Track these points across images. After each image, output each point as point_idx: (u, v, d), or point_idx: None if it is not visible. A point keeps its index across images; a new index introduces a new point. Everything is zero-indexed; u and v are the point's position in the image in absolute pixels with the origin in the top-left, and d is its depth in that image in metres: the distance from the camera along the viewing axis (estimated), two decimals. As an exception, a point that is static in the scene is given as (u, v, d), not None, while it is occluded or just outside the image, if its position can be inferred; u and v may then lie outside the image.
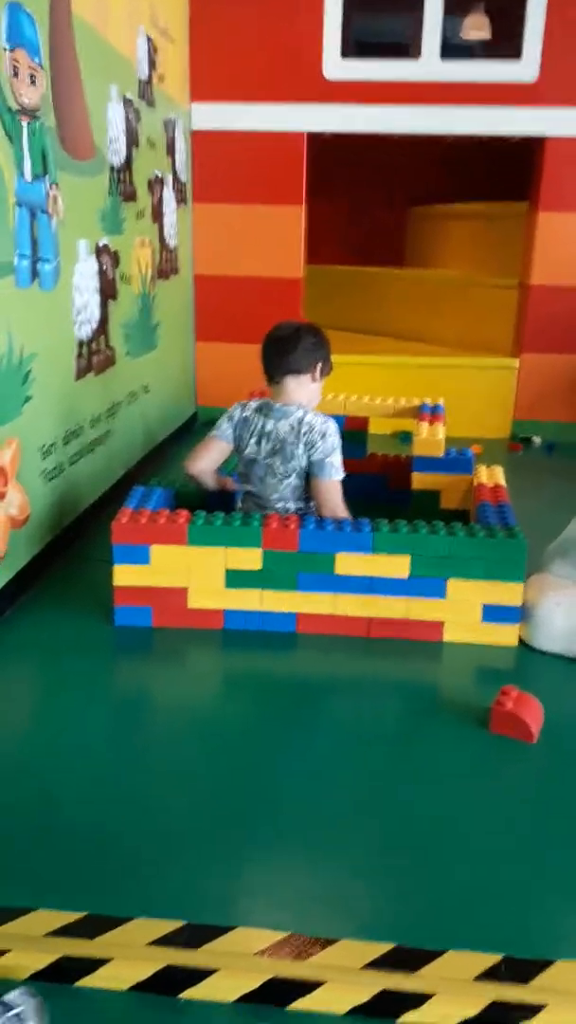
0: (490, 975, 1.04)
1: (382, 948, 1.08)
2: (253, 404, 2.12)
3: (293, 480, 2.05)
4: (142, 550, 1.88)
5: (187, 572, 1.90)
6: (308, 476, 2.05)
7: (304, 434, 2.01)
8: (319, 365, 2.08)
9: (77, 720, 1.57)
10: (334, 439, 2.03)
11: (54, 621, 1.95)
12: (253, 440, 2.08)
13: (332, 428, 2.04)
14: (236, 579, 1.90)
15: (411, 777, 1.43)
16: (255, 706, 1.65)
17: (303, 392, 2.07)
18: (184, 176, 3.64)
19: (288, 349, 2.05)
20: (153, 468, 3.21)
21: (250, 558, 1.88)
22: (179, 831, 1.29)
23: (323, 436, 2.01)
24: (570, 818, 1.33)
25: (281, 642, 1.89)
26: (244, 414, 2.11)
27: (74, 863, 1.22)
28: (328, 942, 1.09)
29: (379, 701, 1.67)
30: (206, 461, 2.14)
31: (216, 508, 2.18)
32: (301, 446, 2.01)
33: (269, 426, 2.05)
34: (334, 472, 2.03)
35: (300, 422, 2.02)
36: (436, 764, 1.46)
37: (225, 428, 2.12)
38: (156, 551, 1.88)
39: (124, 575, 1.90)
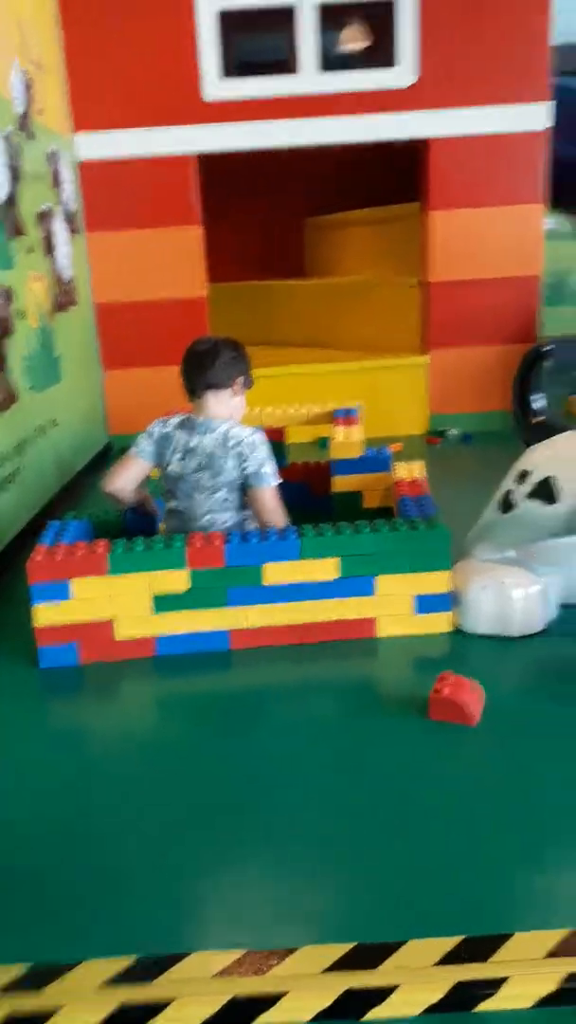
0: (451, 958, 1.03)
1: (343, 949, 1.06)
2: (174, 420, 2.10)
3: (222, 493, 2.03)
4: (62, 586, 1.82)
5: (111, 603, 1.84)
6: (242, 488, 2.04)
7: (233, 447, 2.00)
8: (239, 379, 2.08)
9: (6, 764, 1.51)
10: (264, 448, 2.03)
11: (-23, 670, 1.87)
12: (177, 456, 2.05)
13: (260, 438, 2.04)
14: (164, 603, 1.86)
15: (357, 775, 1.41)
16: (194, 727, 1.61)
17: (224, 407, 2.07)
18: (74, 206, 3.60)
19: (207, 364, 2.04)
20: (69, 502, 3.14)
21: (177, 580, 1.85)
22: (125, 863, 1.24)
23: (253, 447, 2.01)
24: (515, 793, 1.34)
25: (216, 661, 1.85)
26: (165, 430, 2.08)
27: (12, 909, 1.16)
28: (287, 952, 1.06)
29: (319, 704, 1.66)
30: (123, 479, 2.11)
31: (137, 534, 2.14)
32: (231, 459, 2.00)
33: (194, 441, 2.03)
34: (270, 479, 2.03)
35: (227, 435, 2.01)
36: (380, 758, 1.46)
37: (144, 445, 2.09)
38: (76, 584, 1.83)
39: (45, 614, 1.84)
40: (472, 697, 1.54)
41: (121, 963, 1.06)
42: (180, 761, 1.48)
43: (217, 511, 2.04)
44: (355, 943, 1.07)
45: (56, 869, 1.24)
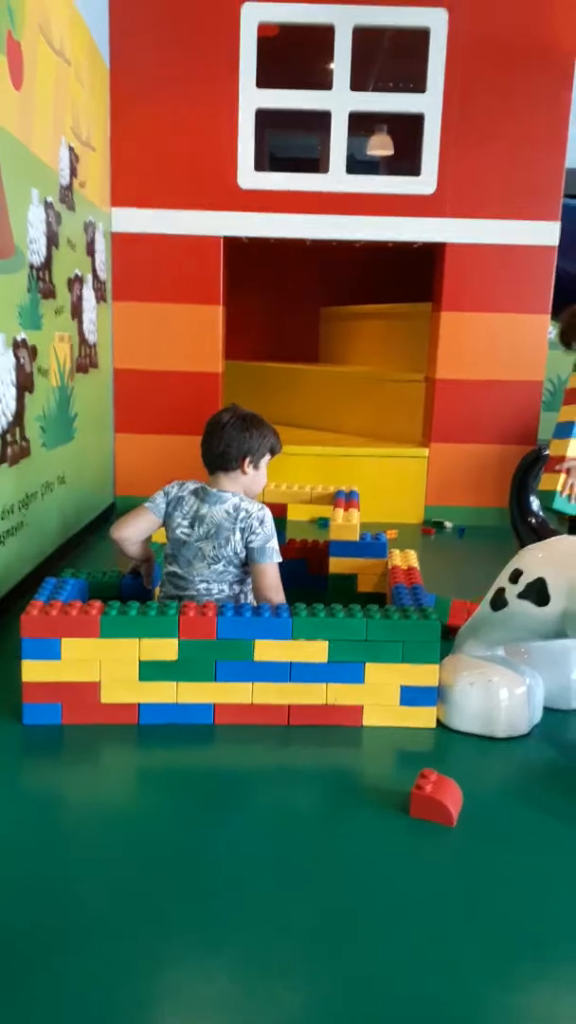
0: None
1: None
2: (190, 485, 2.14)
3: (221, 565, 2.06)
4: (53, 644, 1.82)
5: (99, 665, 1.84)
6: (242, 563, 2.07)
7: (241, 520, 2.04)
8: (247, 459, 2.10)
9: (-21, 827, 1.48)
10: (271, 525, 2.07)
11: (-42, 722, 1.86)
12: (186, 522, 2.09)
13: (268, 515, 2.08)
14: (151, 671, 1.86)
15: (332, 870, 1.39)
16: (172, 801, 1.59)
17: (236, 484, 2.12)
18: (104, 275, 3.75)
19: (214, 446, 2.10)
20: (69, 559, 3.16)
21: (166, 648, 1.85)
22: (89, 939, 1.21)
23: (261, 522, 2.05)
24: (490, 901, 1.32)
25: (199, 735, 1.84)
26: (180, 493, 2.13)
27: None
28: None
29: (300, 790, 1.64)
30: (132, 529, 2.14)
31: (132, 598, 2.15)
32: (238, 532, 2.04)
33: (204, 510, 2.08)
34: (274, 555, 2.06)
35: (236, 508, 2.05)
36: (358, 853, 1.43)
37: (159, 502, 2.14)
38: (67, 644, 1.83)
39: (34, 671, 1.83)
40: (453, 797, 1.54)
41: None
42: (152, 839, 1.46)
43: (213, 581, 2.07)
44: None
45: (20, 934, 1.20)
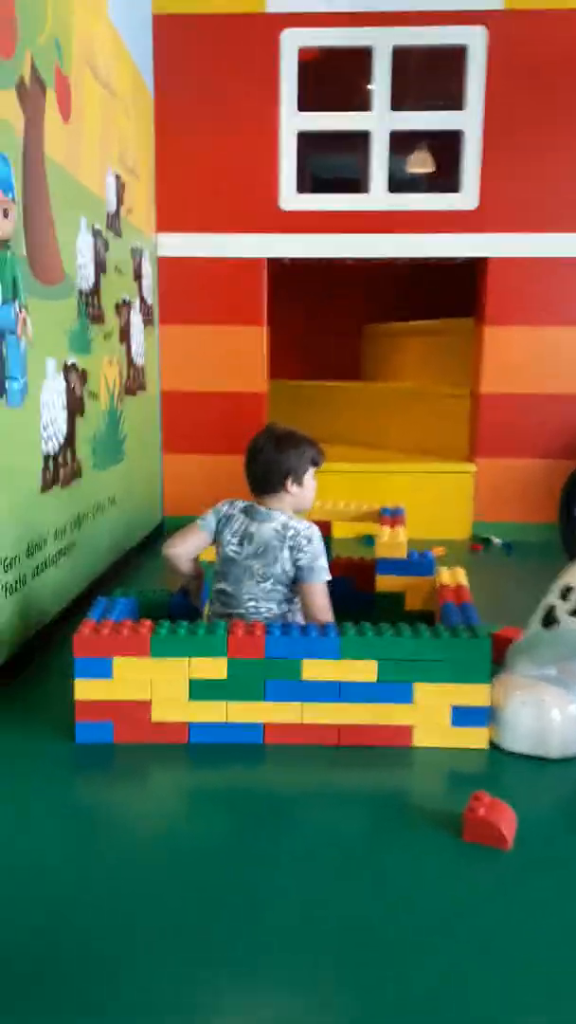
0: None
1: None
2: (240, 504, 2.16)
3: (269, 584, 2.07)
4: (104, 663, 1.85)
5: (150, 685, 1.87)
6: (291, 581, 2.07)
7: (289, 538, 2.05)
8: (289, 478, 2.10)
9: (30, 841, 1.51)
10: (319, 544, 2.07)
11: (12, 740, 1.89)
12: (235, 540, 2.11)
13: (316, 533, 2.08)
14: (201, 690, 1.87)
15: (384, 891, 1.38)
16: (221, 822, 1.59)
17: (282, 503, 2.12)
18: (151, 299, 3.82)
19: (253, 470, 2.12)
20: (119, 578, 3.21)
21: (215, 667, 1.87)
22: (139, 957, 1.22)
23: (309, 541, 2.06)
24: (545, 927, 1.29)
25: (248, 754, 1.85)
26: (230, 511, 2.15)
27: (19, 996, 1.13)
28: None
29: (350, 813, 1.63)
30: (184, 547, 2.17)
31: (180, 617, 2.17)
32: (286, 551, 2.04)
33: (253, 528, 2.09)
34: (324, 574, 2.07)
35: (285, 527, 2.06)
36: (409, 877, 1.42)
37: (210, 520, 2.16)
38: (119, 663, 1.86)
39: (86, 689, 1.87)
40: (507, 820, 1.51)
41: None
42: (200, 859, 1.46)
43: (261, 599, 2.08)
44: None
45: (70, 955, 1.22)
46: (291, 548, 2.05)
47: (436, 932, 1.28)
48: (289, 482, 2.11)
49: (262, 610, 2.08)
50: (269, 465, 2.09)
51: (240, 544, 2.10)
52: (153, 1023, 1.11)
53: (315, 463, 2.16)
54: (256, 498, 2.16)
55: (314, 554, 2.06)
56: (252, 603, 2.08)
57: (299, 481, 2.13)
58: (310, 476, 2.16)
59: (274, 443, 2.11)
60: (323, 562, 2.07)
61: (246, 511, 2.14)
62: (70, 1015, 1.11)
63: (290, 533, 2.06)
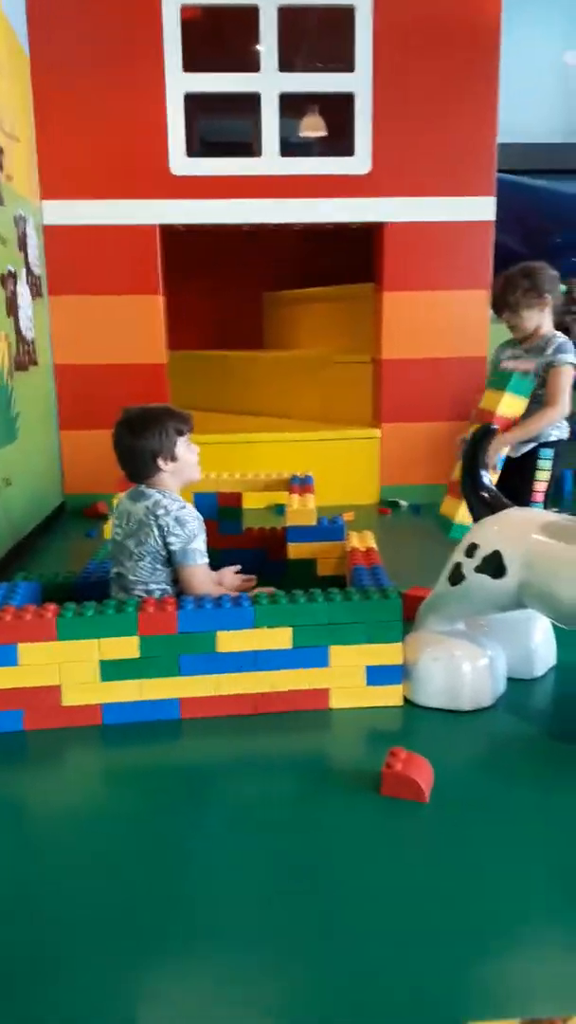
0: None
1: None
2: (130, 490, 2.09)
3: (147, 562, 2.00)
4: (9, 649, 1.77)
5: (58, 668, 1.80)
6: (171, 563, 2.01)
7: (158, 517, 1.97)
8: (157, 459, 2.01)
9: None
10: (193, 525, 1.99)
11: None
12: (117, 523, 2.06)
13: (190, 514, 1.99)
14: (113, 670, 1.82)
15: (309, 853, 1.38)
16: (143, 801, 1.56)
17: (163, 483, 2.04)
18: (38, 270, 3.65)
19: (121, 461, 2.04)
20: (21, 561, 3.08)
21: (126, 646, 1.82)
22: (66, 945, 1.18)
23: (180, 523, 1.97)
24: (467, 874, 1.33)
25: (166, 731, 1.82)
26: (121, 502, 2.09)
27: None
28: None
29: (271, 778, 1.63)
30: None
31: (89, 598, 2.10)
32: (155, 528, 1.97)
33: (129, 506, 2.04)
34: (199, 557, 1.99)
35: (157, 504, 1.98)
36: (333, 836, 1.43)
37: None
38: (24, 649, 1.78)
39: (-9, 678, 1.78)
40: (424, 773, 1.54)
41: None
42: (122, 839, 1.43)
43: (149, 581, 2.01)
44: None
45: (-10, 954, 1.17)
46: (160, 527, 1.97)
47: (363, 884, 1.30)
48: (161, 462, 2.02)
49: (155, 593, 2.01)
50: (132, 452, 2.00)
51: (119, 525, 2.05)
52: (94, 1009, 1.07)
53: (180, 432, 2.04)
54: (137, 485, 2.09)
55: (187, 536, 1.97)
56: (141, 586, 2.01)
57: (171, 457, 2.03)
58: (183, 446, 2.05)
59: (129, 429, 2.01)
60: (198, 544, 1.99)
61: (130, 494, 2.07)
62: (16, 1008, 1.07)
63: (160, 512, 1.97)
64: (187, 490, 2.20)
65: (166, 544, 1.98)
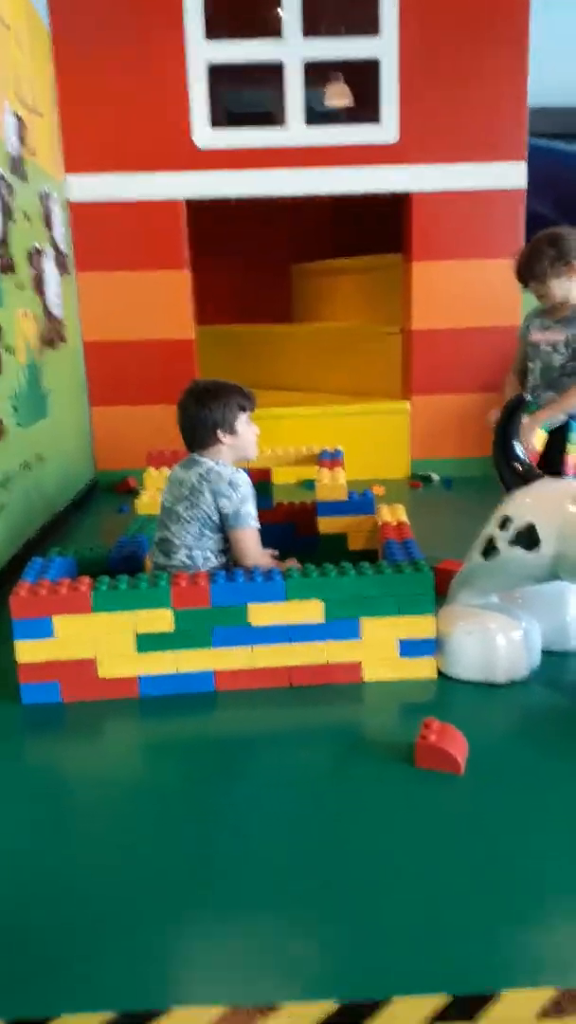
0: (439, 1017, 1.01)
1: (328, 1007, 1.03)
2: (185, 460, 2.14)
3: (195, 527, 2.03)
4: (44, 623, 1.80)
5: (94, 641, 1.83)
6: (223, 529, 2.04)
7: (212, 481, 2.01)
8: (218, 430, 2.06)
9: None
10: (245, 489, 2.03)
11: (-44, 708, 1.84)
12: (168, 489, 2.10)
13: (242, 479, 2.04)
14: (148, 643, 1.84)
15: (343, 823, 1.40)
16: (178, 771, 1.59)
17: (220, 455, 2.09)
18: (64, 247, 3.65)
19: (183, 428, 2.10)
20: (55, 537, 3.12)
21: (161, 619, 1.84)
22: (105, 913, 1.21)
23: (233, 486, 2.02)
24: (502, 844, 1.33)
25: (201, 703, 1.84)
26: (174, 470, 2.15)
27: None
28: (271, 1009, 1.04)
29: (305, 750, 1.64)
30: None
31: (122, 572, 2.13)
32: (208, 493, 2.01)
33: (181, 474, 2.08)
34: (251, 520, 2.03)
35: (209, 471, 2.03)
36: (367, 806, 1.44)
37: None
38: (59, 622, 1.81)
39: (27, 651, 1.81)
40: (458, 745, 1.54)
41: (99, 1018, 1.03)
42: (161, 809, 1.46)
43: (195, 547, 2.04)
44: (340, 1001, 1.04)
45: (28, 918, 1.20)
46: (213, 492, 2.01)
47: (397, 854, 1.31)
48: (221, 433, 2.07)
49: (198, 560, 2.04)
50: (194, 421, 2.07)
51: (170, 491, 2.10)
52: (131, 968, 1.10)
53: (243, 408, 2.11)
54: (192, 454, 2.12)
55: (240, 499, 2.02)
56: (186, 551, 2.04)
57: (231, 430, 2.08)
58: (244, 422, 2.11)
59: (195, 399, 2.07)
60: (249, 508, 2.04)
61: (183, 463, 2.11)
62: (47, 964, 1.10)
63: (213, 475, 2.02)
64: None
65: (219, 508, 2.01)
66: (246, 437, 2.12)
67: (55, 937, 1.17)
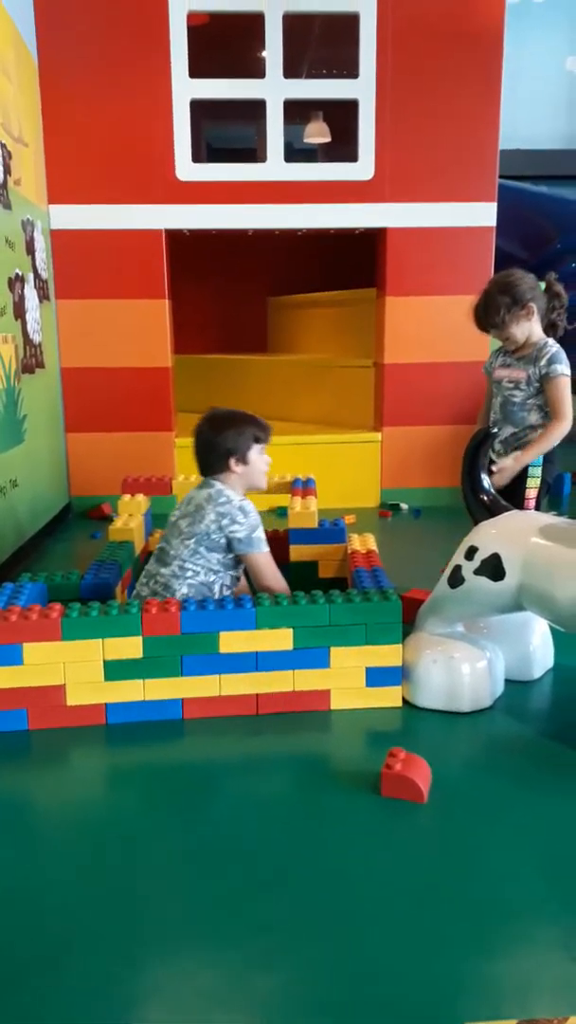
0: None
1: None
2: (201, 482, 2.21)
3: (192, 543, 2.08)
4: (14, 649, 1.80)
5: (63, 668, 1.83)
6: (222, 549, 2.10)
7: (220, 504, 2.07)
8: (231, 458, 2.14)
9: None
10: (254, 516, 2.11)
11: None
12: (179, 504, 2.20)
13: (250, 506, 2.12)
14: (117, 670, 1.85)
15: (308, 852, 1.41)
16: (144, 800, 1.59)
17: (229, 482, 2.16)
18: (45, 274, 3.68)
19: (197, 453, 2.19)
20: (26, 562, 3.11)
21: (130, 647, 1.85)
22: (67, 943, 1.20)
23: (244, 512, 2.09)
24: (463, 872, 1.35)
25: (168, 730, 1.84)
26: (190, 490, 2.23)
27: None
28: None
29: (272, 778, 1.66)
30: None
31: (93, 599, 2.13)
32: (213, 513, 2.07)
33: (193, 493, 2.17)
34: (263, 545, 2.11)
35: (219, 492, 2.11)
36: (332, 835, 1.45)
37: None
38: (29, 649, 1.81)
39: (-3, 677, 1.81)
40: (422, 774, 1.57)
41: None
42: (126, 838, 1.46)
43: (188, 561, 2.09)
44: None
45: (-4, 946, 1.20)
46: (220, 514, 2.06)
47: (362, 884, 1.32)
48: (232, 462, 2.14)
49: (187, 573, 2.08)
50: (208, 446, 2.14)
51: (180, 507, 2.17)
52: (96, 1000, 1.10)
53: (258, 440, 2.19)
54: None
55: (251, 525, 2.09)
56: (178, 562, 2.10)
57: (243, 459, 2.16)
58: (256, 453, 2.19)
59: (210, 425, 2.16)
60: (260, 534, 2.11)
61: (198, 485, 2.19)
62: (11, 998, 1.10)
63: (222, 499, 2.08)
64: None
65: (230, 535, 2.07)
66: (257, 467, 2.20)
67: (13, 969, 1.16)
